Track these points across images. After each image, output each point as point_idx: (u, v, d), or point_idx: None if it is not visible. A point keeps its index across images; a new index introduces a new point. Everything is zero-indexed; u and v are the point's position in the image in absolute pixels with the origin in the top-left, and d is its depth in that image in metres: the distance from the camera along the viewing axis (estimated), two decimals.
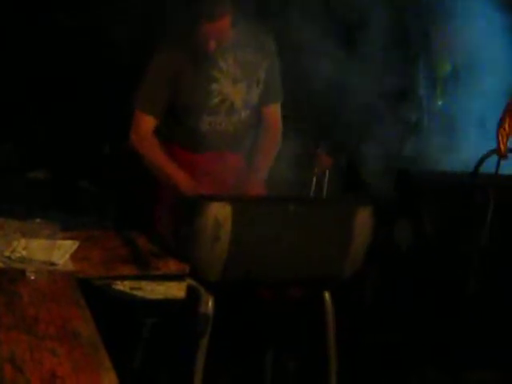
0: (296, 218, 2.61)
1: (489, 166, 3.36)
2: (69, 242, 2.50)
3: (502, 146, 3.24)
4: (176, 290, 2.50)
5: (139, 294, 2.45)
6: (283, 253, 2.59)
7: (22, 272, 2.25)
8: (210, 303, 2.53)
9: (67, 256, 2.42)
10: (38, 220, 2.30)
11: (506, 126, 3.22)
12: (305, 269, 2.65)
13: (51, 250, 2.29)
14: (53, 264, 2.31)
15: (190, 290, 2.53)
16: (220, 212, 2.47)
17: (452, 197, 3.39)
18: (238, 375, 3.14)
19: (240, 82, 3.03)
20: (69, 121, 4.09)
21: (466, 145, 3.87)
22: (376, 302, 3.47)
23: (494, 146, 3.33)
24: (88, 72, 4.09)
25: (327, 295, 2.77)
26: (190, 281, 2.53)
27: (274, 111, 3.20)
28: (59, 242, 2.38)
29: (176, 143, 3.07)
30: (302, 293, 2.89)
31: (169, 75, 2.94)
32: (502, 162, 3.33)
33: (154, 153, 3.00)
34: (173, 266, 2.55)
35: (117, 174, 3.95)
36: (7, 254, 2.38)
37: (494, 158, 3.33)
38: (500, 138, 3.23)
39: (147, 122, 3.00)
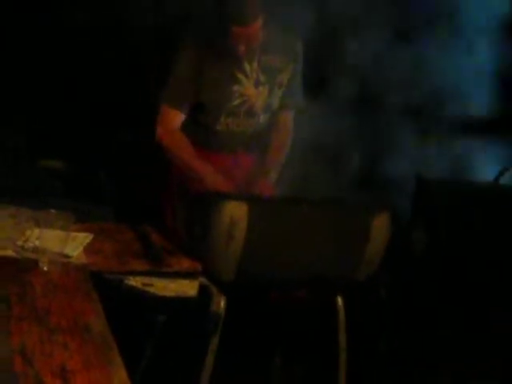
0: (312, 219, 2.58)
1: None
2: (83, 235, 2.48)
3: None
4: (188, 288, 2.47)
5: (151, 290, 2.42)
6: (298, 254, 2.57)
7: (35, 262, 2.22)
8: (222, 303, 2.51)
9: (81, 248, 2.40)
10: (52, 210, 2.27)
11: None
12: (319, 271, 2.62)
13: (65, 242, 2.26)
14: (66, 256, 2.29)
15: (202, 289, 2.50)
16: (236, 211, 2.45)
17: (471, 206, 3.36)
18: (247, 376, 3.13)
19: (262, 86, 3.00)
20: (87, 109, 4.07)
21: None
22: (390, 306, 3.43)
23: None
24: (108, 59, 4.08)
25: (339, 299, 2.75)
26: (202, 279, 2.51)
27: (289, 117, 3.17)
28: (73, 233, 2.36)
29: (190, 140, 3.04)
30: (312, 295, 2.86)
31: (194, 72, 2.92)
32: None
33: (182, 148, 2.97)
34: (186, 263, 2.52)
35: (134, 165, 3.94)
36: (20, 243, 2.36)
37: None
38: None
39: (174, 117, 2.97)
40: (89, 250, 2.43)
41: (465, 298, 3.38)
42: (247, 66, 2.95)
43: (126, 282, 2.40)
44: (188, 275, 2.49)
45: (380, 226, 2.66)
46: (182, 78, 2.94)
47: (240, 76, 2.96)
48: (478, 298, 3.38)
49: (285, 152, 3.13)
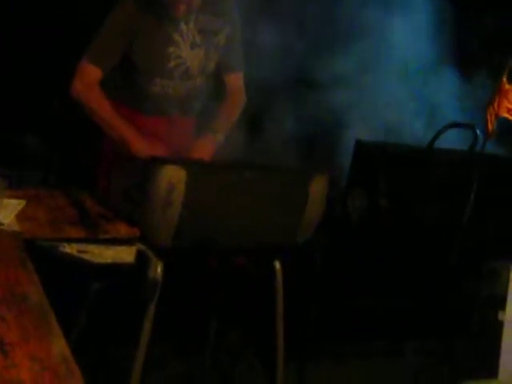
0: (251, 184, 2.56)
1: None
2: (15, 201, 2.39)
3: (489, 125, 3.24)
4: (125, 255, 2.42)
5: (86, 257, 2.36)
6: (236, 220, 2.54)
7: None
8: (159, 269, 2.47)
9: (13, 215, 2.32)
10: None
11: (496, 105, 3.23)
12: (258, 236, 2.61)
13: None
14: None
15: (140, 255, 2.46)
16: (173, 176, 2.40)
17: (408, 169, 3.38)
18: (183, 342, 3.11)
19: (198, 47, 2.94)
20: (14, 74, 3.94)
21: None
22: (325, 270, 3.44)
23: None
24: (35, 25, 3.95)
25: (277, 264, 2.74)
26: (139, 245, 2.46)
27: (236, 79, 3.12)
28: (5, 200, 2.28)
29: (122, 102, 2.96)
30: (250, 261, 2.85)
31: (125, 31, 2.82)
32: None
33: (101, 105, 2.85)
34: (123, 229, 2.47)
35: (63, 128, 3.84)
36: None
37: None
38: (488, 117, 3.23)
39: (93, 73, 2.84)
40: (22, 216, 2.35)
41: (400, 268, 3.41)
42: (184, 27, 2.88)
43: (61, 249, 2.33)
44: (125, 241, 2.44)
45: (317, 189, 2.66)
46: (109, 36, 2.83)
47: (176, 37, 2.88)
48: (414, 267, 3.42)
49: (234, 117, 3.10)
